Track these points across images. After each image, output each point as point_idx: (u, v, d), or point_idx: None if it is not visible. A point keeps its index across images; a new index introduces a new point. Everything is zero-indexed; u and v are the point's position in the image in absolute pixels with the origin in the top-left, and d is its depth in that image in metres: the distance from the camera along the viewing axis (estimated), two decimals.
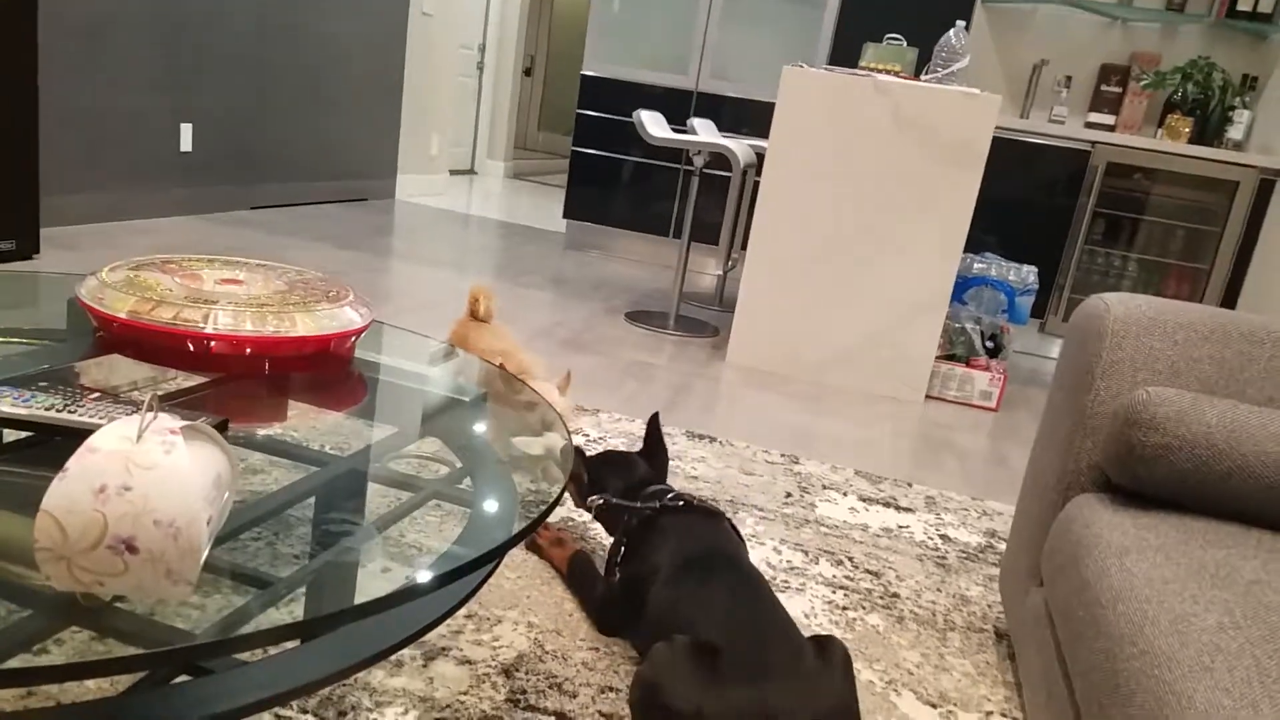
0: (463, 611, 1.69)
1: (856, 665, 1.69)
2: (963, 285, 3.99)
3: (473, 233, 6.20)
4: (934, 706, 1.60)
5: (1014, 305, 4.06)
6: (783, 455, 2.68)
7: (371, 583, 1.05)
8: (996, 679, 1.71)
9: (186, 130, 4.81)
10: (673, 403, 3.12)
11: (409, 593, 0.99)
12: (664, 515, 1.69)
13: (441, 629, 1.63)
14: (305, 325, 1.49)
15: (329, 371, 1.62)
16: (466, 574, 1.09)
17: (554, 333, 3.83)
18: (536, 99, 11.78)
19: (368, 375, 1.70)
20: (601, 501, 1.77)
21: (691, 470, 2.48)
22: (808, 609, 1.86)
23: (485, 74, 9.69)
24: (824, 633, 1.43)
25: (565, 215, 5.80)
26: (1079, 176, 4.66)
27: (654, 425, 1.93)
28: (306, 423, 1.91)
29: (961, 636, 1.84)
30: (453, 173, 9.38)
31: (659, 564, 1.59)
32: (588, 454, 1.90)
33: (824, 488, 2.48)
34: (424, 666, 1.51)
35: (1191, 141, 4.88)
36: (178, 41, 4.64)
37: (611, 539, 1.76)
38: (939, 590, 2.01)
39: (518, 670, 1.54)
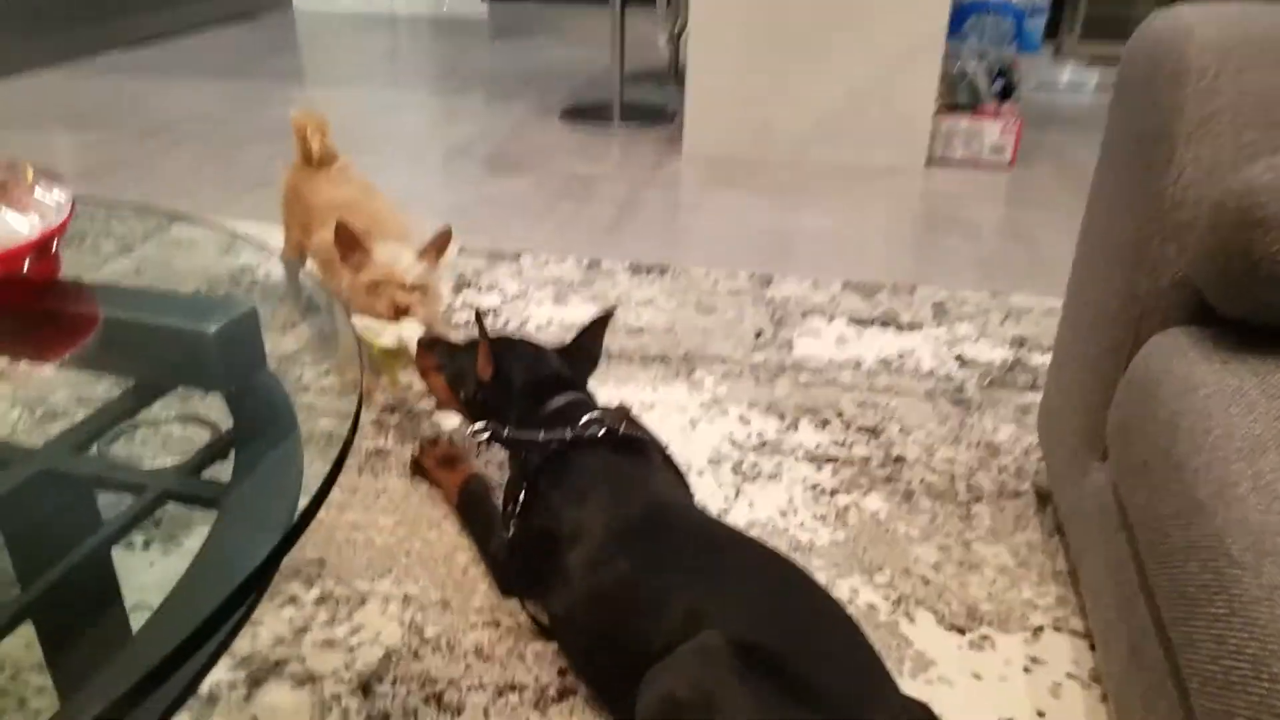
0: (313, 594, 1.28)
1: (852, 579, 1.29)
2: (960, 15, 3.36)
3: (381, 36, 5.50)
4: (961, 631, 1.21)
5: (1023, 30, 3.45)
6: (751, 278, 2.21)
7: None
8: (1044, 570, 1.31)
9: None
10: (616, 225, 2.62)
11: None
12: (575, 451, 1.22)
13: (278, 629, 1.23)
14: None
15: (17, 303, 1.14)
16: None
17: (471, 151, 3.29)
18: None
19: (92, 301, 1.23)
20: (487, 434, 1.29)
21: (636, 319, 2.02)
22: (783, 501, 1.44)
23: None
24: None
25: None
26: None
27: (599, 323, 1.43)
28: None
29: (992, 509, 1.42)
30: None
31: (579, 522, 1.14)
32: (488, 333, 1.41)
33: (804, 315, 2.03)
34: (246, 698, 1.12)
35: None
36: None
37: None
38: (957, 441, 1.58)
39: (381, 680, 1.14)
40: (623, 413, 1.29)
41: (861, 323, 2.01)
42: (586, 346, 1.41)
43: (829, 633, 0.98)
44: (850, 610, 1.21)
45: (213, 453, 1.08)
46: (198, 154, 3.19)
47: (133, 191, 2.83)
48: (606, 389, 1.75)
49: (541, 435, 1.23)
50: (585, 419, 1.24)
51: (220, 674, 1.16)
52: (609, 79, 3.60)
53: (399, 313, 1.51)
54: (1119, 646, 0.98)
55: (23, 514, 0.98)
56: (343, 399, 1.01)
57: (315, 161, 1.77)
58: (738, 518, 1.41)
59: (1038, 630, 1.21)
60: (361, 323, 1.49)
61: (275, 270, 2.02)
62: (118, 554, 0.90)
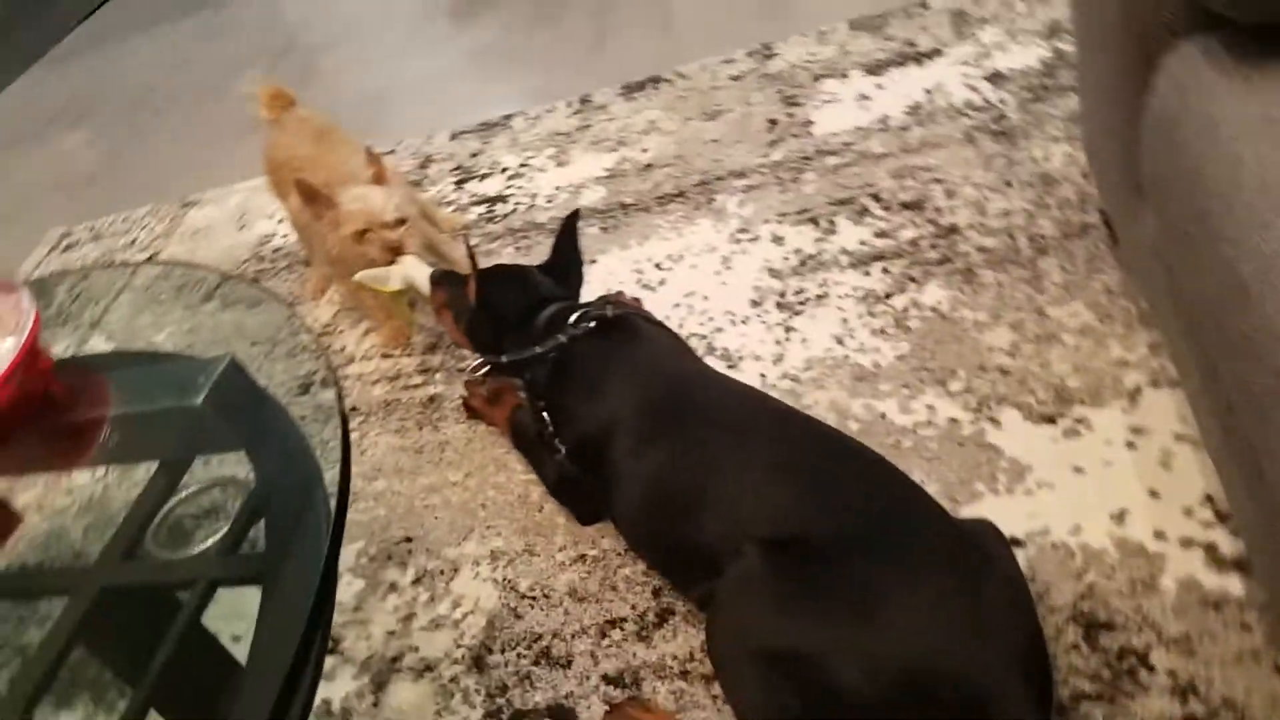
0: (409, 575, 1.32)
1: (926, 394, 1.23)
2: None
3: None
4: (1052, 421, 1.15)
5: None
6: (751, 55, 2.04)
7: None
8: (1129, 316, 1.22)
9: None
10: (599, 39, 2.45)
11: None
12: (574, 351, 1.20)
13: (387, 622, 1.27)
14: None
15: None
16: None
17: (435, 2, 3.09)
18: None
19: (86, 400, 1.22)
20: (485, 368, 1.28)
21: (641, 153, 1.91)
22: (837, 325, 1.37)
23: None
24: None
25: None
26: None
27: (568, 228, 1.37)
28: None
29: (1060, 257, 1.33)
30: None
31: (606, 418, 1.13)
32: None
33: (815, 79, 1.87)
34: (375, 704, 1.17)
35: None
36: None
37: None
38: (1008, 185, 1.46)
39: (490, 650, 1.18)
40: (607, 299, 1.26)
41: (878, 68, 1.84)
42: (566, 256, 1.36)
43: (866, 492, 0.93)
44: (931, 429, 1.16)
45: (244, 519, 1.09)
46: (185, 113, 3.12)
47: (143, 178, 2.81)
48: (631, 251, 1.67)
49: (538, 349, 1.20)
50: (573, 318, 1.20)
51: (346, 684, 1.21)
52: None
53: (394, 252, 1.48)
54: (1204, 406, 0.90)
55: (103, 629, 1.02)
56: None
57: (269, 118, 1.75)
58: (794, 361, 1.35)
59: (1134, 393, 1.14)
60: (368, 275, 1.47)
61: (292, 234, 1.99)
62: None
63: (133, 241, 2.44)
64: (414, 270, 1.48)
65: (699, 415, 1.07)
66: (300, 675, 0.78)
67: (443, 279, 1.43)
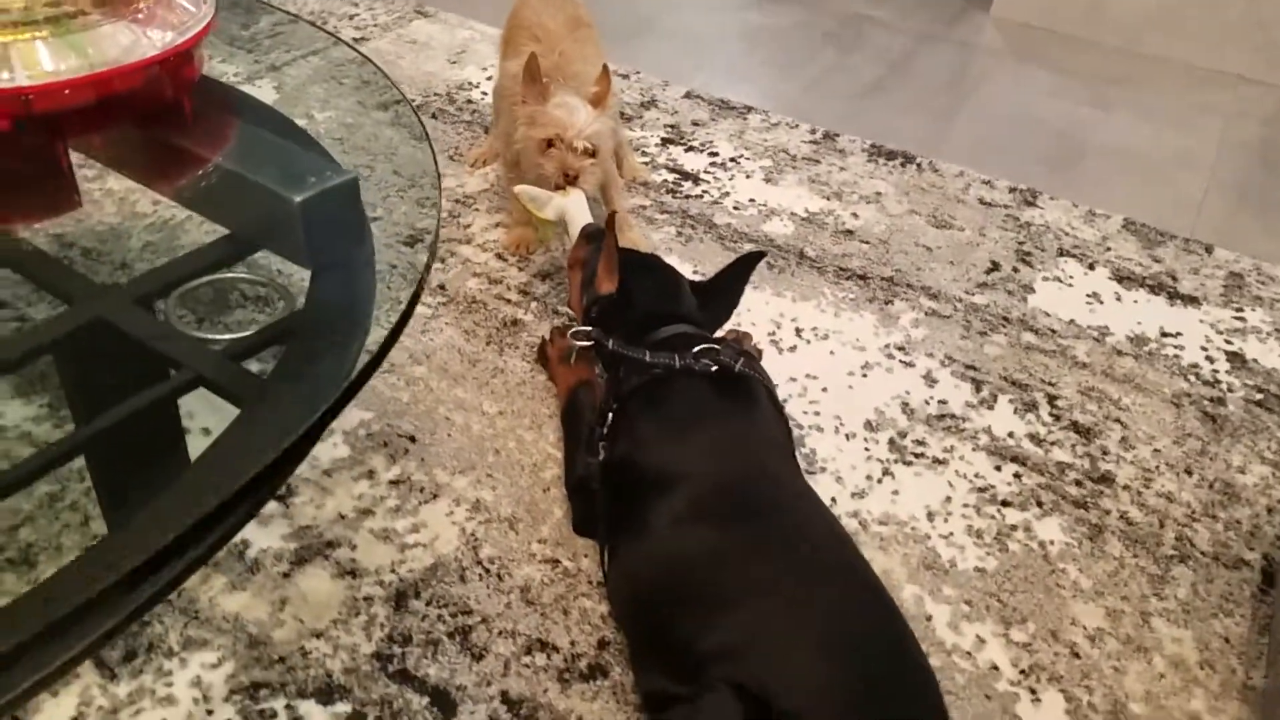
0: (392, 473, 1.24)
1: (982, 624, 1.11)
2: None
3: None
4: None
5: None
6: (1012, 192, 1.91)
7: None
8: (1230, 680, 1.07)
9: None
10: (878, 87, 2.34)
11: None
12: (679, 382, 1.10)
13: (345, 505, 1.20)
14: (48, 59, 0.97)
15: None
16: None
17: None
18: None
19: (211, 134, 1.18)
20: (590, 342, 1.19)
21: (850, 218, 1.80)
22: (937, 499, 1.25)
23: None
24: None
25: None
26: None
27: (745, 266, 1.28)
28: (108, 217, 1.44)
29: (1198, 575, 1.19)
30: None
31: (668, 465, 1.03)
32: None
33: (1060, 254, 1.73)
34: (286, 575, 1.10)
35: None
36: None
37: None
38: (1189, 471, 1.32)
39: (418, 595, 1.10)
40: (739, 347, 1.17)
41: (1128, 279, 1.69)
42: (726, 289, 1.29)
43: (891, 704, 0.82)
44: (968, 662, 1.04)
45: (268, 336, 1.03)
46: None
47: None
48: (781, 302, 1.57)
49: (648, 355, 1.12)
50: (698, 349, 1.11)
51: (271, 541, 1.15)
52: None
53: (568, 179, 1.44)
54: None
55: (81, 354, 0.98)
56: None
57: None
58: (872, 505, 1.23)
59: None
60: (527, 192, 1.42)
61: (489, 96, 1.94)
62: None
63: (352, 16, 2.42)
64: (574, 209, 1.42)
65: (768, 524, 0.97)
66: (234, 505, 0.71)
67: (594, 237, 1.36)
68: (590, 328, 1.21)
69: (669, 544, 0.98)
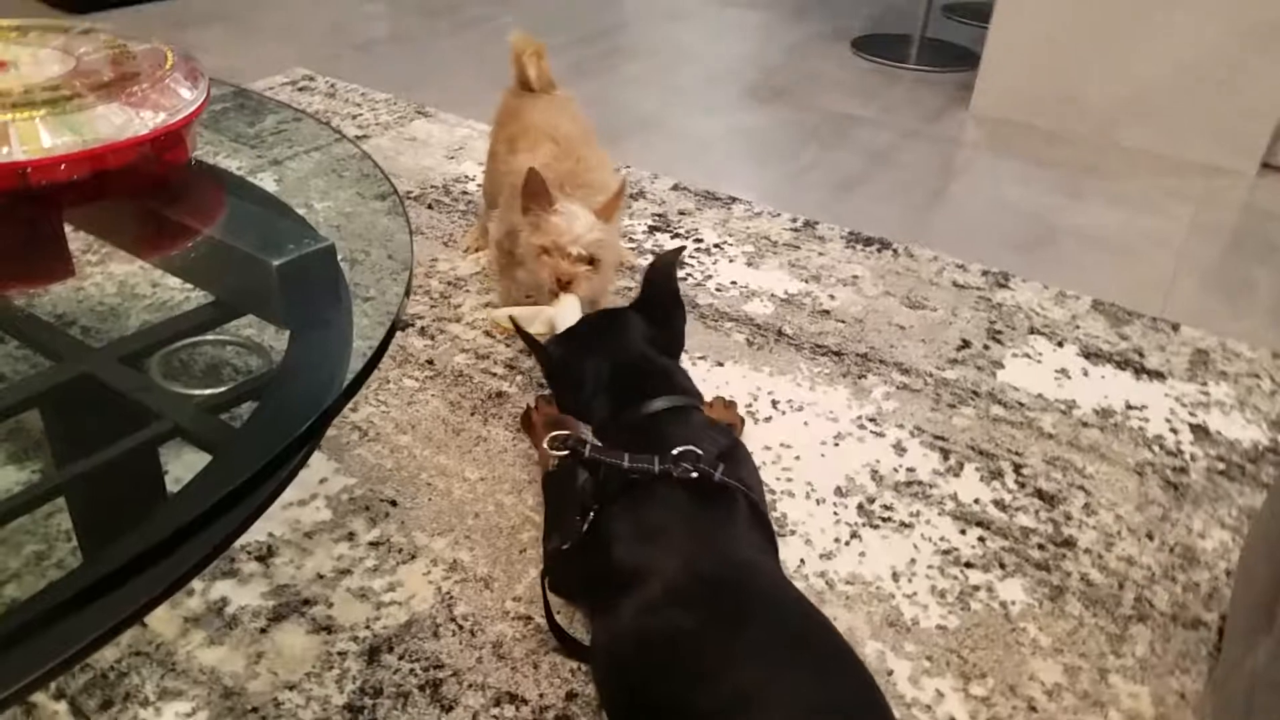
0: (372, 535, 1.29)
1: (941, 679, 1.14)
2: None
3: None
4: None
5: None
6: (985, 275, 1.99)
7: None
8: None
9: None
10: (860, 179, 2.44)
11: None
12: (663, 490, 1.11)
13: (324, 565, 1.24)
14: (51, 137, 1.05)
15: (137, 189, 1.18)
16: None
17: (741, 73, 3.17)
18: None
19: (197, 206, 1.25)
20: (566, 450, 1.18)
21: (828, 299, 1.87)
22: (903, 561, 1.30)
23: None
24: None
25: None
26: None
27: (667, 269, 1.33)
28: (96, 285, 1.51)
29: (1156, 635, 1.22)
30: None
31: (643, 563, 1.06)
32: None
33: (1030, 332, 1.80)
34: (263, 630, 1.15)
35: None
36: None
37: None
38: (1150, 537, 1.36)
39: (391, 650, 1.14)
40: (722, 442, 1.18)
41: (1096, 356, 1.75)
42: (660, 297, 1.32)
43: None
44: (925, 715, 1.07)
45: (243, 390, 1.09)
46: (477, 38, 3.25)
47: (403, 69, 2.94)
48: (759, 376, 1.63)
49: (626, 461, 1.10)
50: (679, 450, 1.11)
51: (250, 599, 1.19)
52: (915, 8, 3.33)
53: (562, 285, 1.47)
54: None
55: (64, 407, 1.03)
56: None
57: (533, 86, 1.77)
58: (839, 566, 1.28)
59: None
60: (515, 315, 1.43)
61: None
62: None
63: (355, 116, 2.54)
64: (562, 317, 1.46)
65: (737, 612, 0.98)
66: (192, 532, 0.76)
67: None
68: (566, 433, 1.19)
69: (645, 626, 0.99)
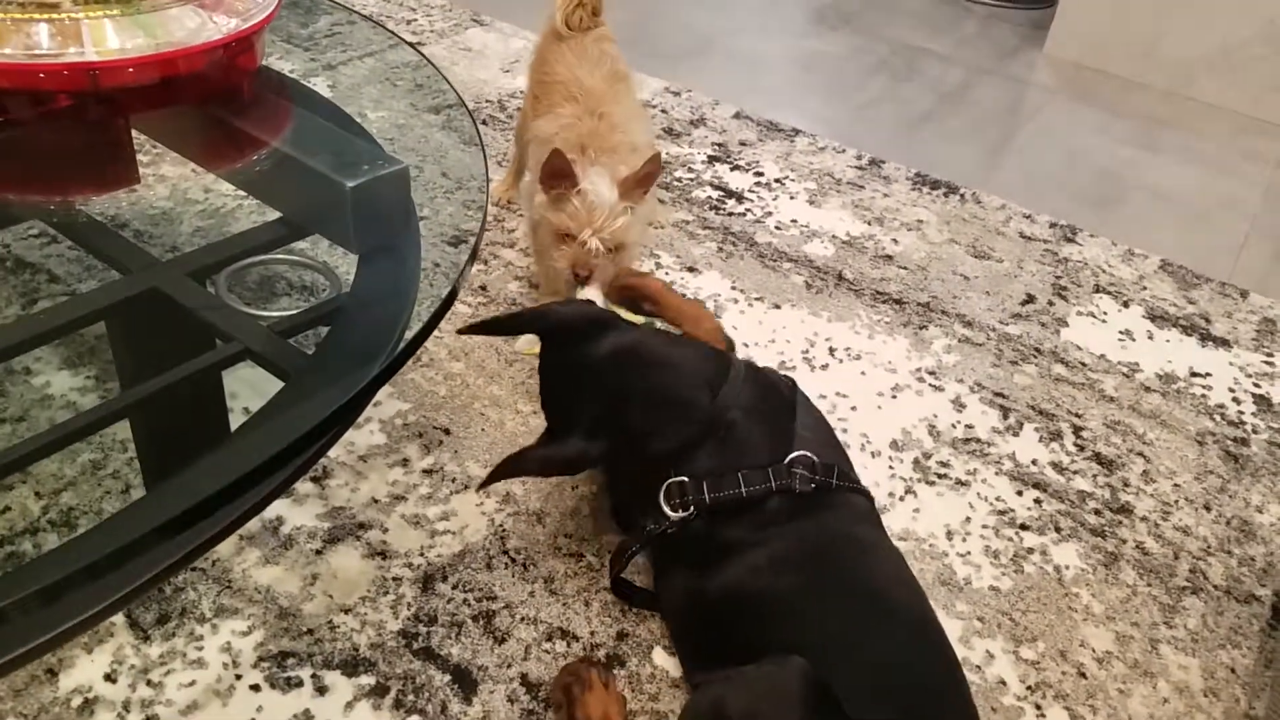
0: (425, 462, 1.31)
1: (992, 640, 1.15)
2: None
3: None
4: None
5: None
6: (1053, 227, 1.96)
7: None
8: (1234, 709, 1.11)
9: None
10: (928, 117, 2.40)
11: None
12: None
13: (378, 490, 1.26)
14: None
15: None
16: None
17: None
18: None
19: (268, 119, 1.25)
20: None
21: (891, 241, 1.86)
22: (957, 520, 1.30)
23: None
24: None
25: None
26: None
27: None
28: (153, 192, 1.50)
29: (1208, 608, 1.23)
30: None
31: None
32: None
33: (1096, 290, 1.78)
34: (318, 552, 1.17)
35: None
36: None
37: None
38: (1207, 507, 1.36)
39: (444, 579, 1.16)
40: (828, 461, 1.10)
41: (1162, 319, 1.74)
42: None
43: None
44: (975, 675, 1.10)
45: (314, 315, 1.10)
46: None
47: None
48: (817, 321, 1.63)
49: (744, 487, 1.05)
50: (754, 486, 1.05)
51: (305, 519, 1.21)
52: None
53: (579, 278, 1.36)
54: None
55: (132, 324, 1.04)
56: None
57: (567, 23, 1.58)
58: (893, 521, 1.29)
59: None
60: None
61: None
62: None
63: (410, 21, 2.51)
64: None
65: (841, 567, 1.03)
66: (267, 472, 0.77)
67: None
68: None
69: (745, 578, 1.02)
